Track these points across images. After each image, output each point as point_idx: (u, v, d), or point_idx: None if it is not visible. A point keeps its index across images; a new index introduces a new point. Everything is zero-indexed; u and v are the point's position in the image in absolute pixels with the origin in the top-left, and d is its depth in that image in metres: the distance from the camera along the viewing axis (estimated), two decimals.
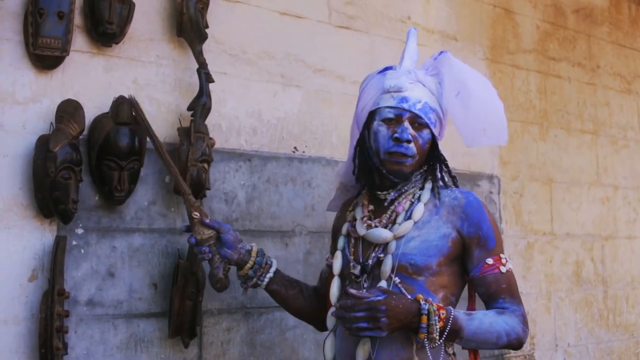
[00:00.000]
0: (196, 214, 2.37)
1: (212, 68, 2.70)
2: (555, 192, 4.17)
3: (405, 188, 2.35)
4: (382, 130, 2.33)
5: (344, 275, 2.38)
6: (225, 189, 2.80)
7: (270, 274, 2.45)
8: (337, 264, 2.39)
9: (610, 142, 4.54)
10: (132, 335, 2.55)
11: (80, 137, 2.40)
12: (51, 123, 2.39)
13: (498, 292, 2.27)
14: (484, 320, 2.20)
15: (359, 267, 2.32)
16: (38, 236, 2.39)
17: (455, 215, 2.30)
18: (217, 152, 2.72)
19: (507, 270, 2.29)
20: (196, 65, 2.66)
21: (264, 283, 2.45)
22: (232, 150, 2.84)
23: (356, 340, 2.22)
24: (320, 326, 2.57)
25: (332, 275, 2.40)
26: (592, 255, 4.35)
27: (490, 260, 2.27)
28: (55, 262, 2.32)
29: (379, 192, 2.37)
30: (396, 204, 2.34)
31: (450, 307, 2.19)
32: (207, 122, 2.65)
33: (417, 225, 2.29)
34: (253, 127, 2.91)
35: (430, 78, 2.39)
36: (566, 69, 4.32)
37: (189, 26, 2.65)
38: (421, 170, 2.39)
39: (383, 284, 2.23)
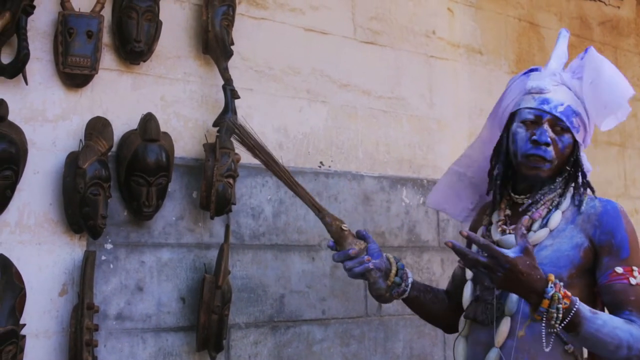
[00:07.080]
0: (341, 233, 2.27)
1: (238, 84, 2.74)
2: None
3: (543, 194, 2.28)
4: (521, 131, 2.28)
5: (477, 280, 2.32)
6: (252, 203, 2.82)
7: (411, 279, 2.35)
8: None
9: (638, 154, 4.51)
10: (161, 349, 2.58)
11: (109, 153, 2.44)
12: (80, 140, 2.43)
13: (624, 304, 2.14)
14: (607, 323, 2.04)
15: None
16: (68, 251, 2.42)
17: (589, 223, 2.21)
18: (244, 168, 2.74)
19: (637, 283, 2.15)
20: (222, 82, 2.70)
21: (408, 289, 2.34)
22: (258, 165, 2.83)
23: (486, 348, 2.19)
24: (449, 329, 2.51)
25: (465, 280, 2.36)
26: None
27: (619, 269, 2.16)
28: (84, 277, 2.36)
29: (516, 196, 2.32)
30: (533, 210, 2.27)
31: (576, 297, 2.02)
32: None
33: (552, 234, 2.22)
34: (279, 143, 2.93)
35: (577, 81, 2.33)
36: None
37: (214, 43, 2.69)
38: (563, 176, 2.31)
39: (514, 296, 2.17)
